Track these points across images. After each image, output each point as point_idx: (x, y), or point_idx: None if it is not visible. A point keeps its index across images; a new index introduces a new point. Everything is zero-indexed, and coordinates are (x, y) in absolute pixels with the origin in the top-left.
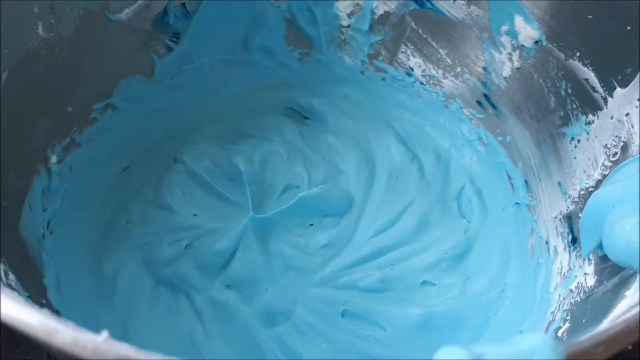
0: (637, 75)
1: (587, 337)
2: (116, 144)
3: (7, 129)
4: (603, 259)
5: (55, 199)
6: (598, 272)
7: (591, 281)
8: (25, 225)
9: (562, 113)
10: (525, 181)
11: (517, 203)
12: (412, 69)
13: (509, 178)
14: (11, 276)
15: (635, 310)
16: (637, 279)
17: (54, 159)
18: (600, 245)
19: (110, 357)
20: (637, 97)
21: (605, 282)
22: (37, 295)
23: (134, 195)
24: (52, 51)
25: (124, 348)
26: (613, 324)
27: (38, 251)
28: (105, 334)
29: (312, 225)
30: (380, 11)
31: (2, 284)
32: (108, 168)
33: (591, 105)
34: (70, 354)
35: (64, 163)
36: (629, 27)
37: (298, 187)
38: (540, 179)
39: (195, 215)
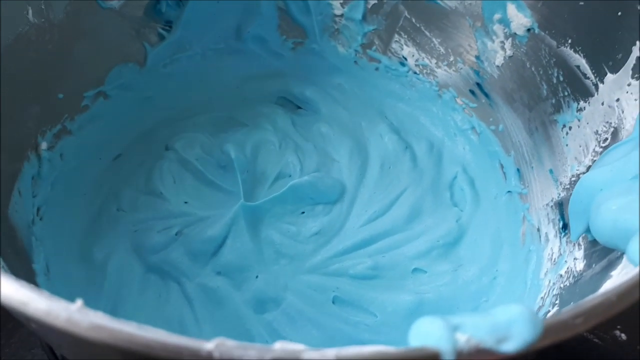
0: (628, 61)
1: (566, 309)
2: (108, 131)
3: None
4: (592, 243)
5: (46, 185)
6: (587, 257)
7: (580, 265)
8: (14, 210)
9: (553, 100)
10: (518, 169)
11: (509, 191)
12: (405, 59)
13: (502, 167)
14: None
15: (616, 282)
16: (623, 260)
17: (44, 145)
18: (589, 229)
19: (85, 326)
20: (628, 82)
21: (593, 266)
22: (25, 279)
23: (125, 183)
24: (42, 37)
25: (98, 317)
26: (593, 297)
27: (27, 236)
28: (79, 302)
29: (303, 213)
30: (373, 0)
31: None
32: (99, 156)
33: (582, 92)
34: (45, 324)
35: (54, 150)
36: (619, 13)
37: (290, 176)
38: (532, 167)
39: (186, 202)
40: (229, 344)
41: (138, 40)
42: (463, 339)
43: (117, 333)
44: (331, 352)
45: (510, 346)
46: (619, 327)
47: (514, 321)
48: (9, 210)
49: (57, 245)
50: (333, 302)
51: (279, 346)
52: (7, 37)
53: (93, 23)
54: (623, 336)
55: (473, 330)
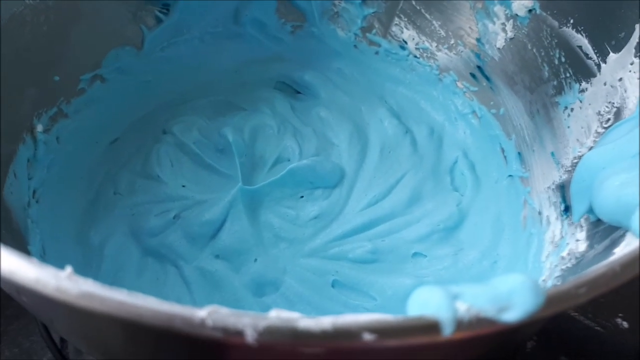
0: (631, 39)
1: (569, 279)
2: (105, 115)
3: None
4: (595, 224)
5: (42, 168)
6: (589, 237)
7: (582, 246)
8: (9, 192)
9: (555, 82)
10: (519, 153)
11: (510, 175)
12: (405, 42)
13: (502, 150)
14: None
15: (620, 254)
16: (626, 237)
17: (40, 128)
18: (591, 209)
19: (74, 294)
20: (631, 61)
21: (596, 246)
22: None
23: (122, 166)
24: (37, 18)
25: (88, 284)
26: (597, 267)
27: (23, 218)
28: (69, 269)
29: (302, 197)
30: None
31: None
32: (96, 139)
33: (585, 73)
34: (34, 293)
35: (50, 132)
36: None
37: (289, 160)
38: (533, 150)
39: (183, 186)
40: (223, 312)
41: (135, 23)
42: (463, 308)
43: (107, 301)
44: (327, 319)
45: (512, 315)
46: (620, 315)
47: (516, 290)
48: (4, 192)
49: (54, 227)
50: (332, 286)
51: (274, 314)
52: (1, 17)
53: (90, 5)
54: (625, 324)
55: (473, 300)
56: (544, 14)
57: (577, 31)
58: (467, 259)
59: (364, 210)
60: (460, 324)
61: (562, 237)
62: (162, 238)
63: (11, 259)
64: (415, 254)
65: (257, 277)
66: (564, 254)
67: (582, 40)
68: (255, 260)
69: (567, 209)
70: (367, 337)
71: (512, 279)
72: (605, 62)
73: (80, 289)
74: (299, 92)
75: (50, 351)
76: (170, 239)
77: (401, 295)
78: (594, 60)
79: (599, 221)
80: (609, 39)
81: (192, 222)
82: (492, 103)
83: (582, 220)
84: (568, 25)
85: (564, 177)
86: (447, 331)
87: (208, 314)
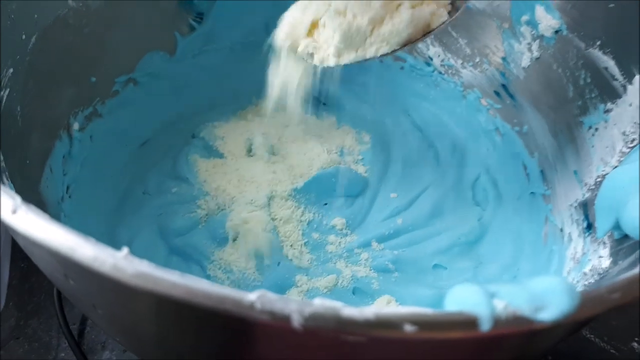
0: None
1: (603, 285)
2: (137, 117)
3: (33, 91)
4: (619, 241)
5: (76, 164)
6: (613, 254)
7: (606, 263)
8: (45, 186)
9: (580, 102)
10: (541, 171)
11: (532, 192)
12: (431, 59)
13: (525, 168)
14: None
15: None
16: None
17: (76, 126)
18: (615, 226)
19: (130, 273)
20: None
21: (620, 262)
22: None
23: (151, 167)
24: (79, 21)
25: (143, 265)
26: (632, 273)
27: (56, 212)
28: (125, 250)
29: (326, 204)
30: None
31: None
32: (128, 141)
33: (610, 94)
34: (91, 271)
35: (85, 131)
36: None
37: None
38: (556, 169)
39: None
40: (271, 296)
41: (169, 30)
42: (501, 306)
43: (161, 281)
44: (370, 309)
45: (548, 315)
46: (637, 339)
47: (551, 291)
48: (41, 185)
49: (84, 223)
50: (353, 293)
51: (319, 302)
52: (47, 19)
53: (128, 11)
54: None
55: (510, 298)
56: (571, 35)
57: (604, 53)
58: (487, 272)
59: (386, 220)
60: (497, 321)
61: (584, 253)
62: (188, 238)
63: (70, 237)
64: (435, 266)
65: (280, 280)
66: (586, 269)
67: (608, 62)
68: (279, 263)
69: (589, 227)
70: (408, 328)
71: (548, 281)
72: (631, 83)
73: (136, 269)
74: (324, 104)
75: (69, 345)
76: (195, 239)
77: (421, 305)
78: (619, 82)
79: (623, 238)
80: (635, 61)
81: (218, 223)
82: (515, 121)
83: (606, 237)
84: (595, 46)
85: (587, 195)
86: (485, 327)
87: (257, 297)
